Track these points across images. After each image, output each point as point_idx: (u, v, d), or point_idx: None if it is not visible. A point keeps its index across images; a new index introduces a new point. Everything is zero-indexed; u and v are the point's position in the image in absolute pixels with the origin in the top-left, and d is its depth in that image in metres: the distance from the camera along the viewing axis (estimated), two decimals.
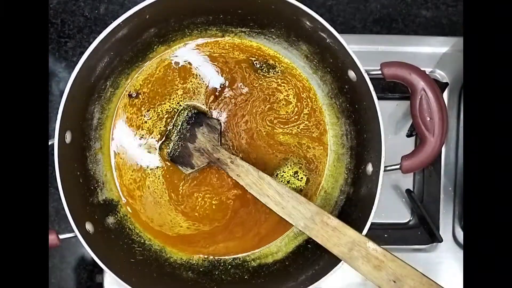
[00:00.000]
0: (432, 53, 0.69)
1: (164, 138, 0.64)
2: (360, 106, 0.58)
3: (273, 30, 0.62)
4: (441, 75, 0.69)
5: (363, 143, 0.60)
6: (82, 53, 0.54)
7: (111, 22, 0.54)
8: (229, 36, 0.64)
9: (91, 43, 0.54)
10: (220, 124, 0.64)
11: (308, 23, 0.55)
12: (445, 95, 0.68)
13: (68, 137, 0.55)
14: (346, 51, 0.54)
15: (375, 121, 0.54)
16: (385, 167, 0.55)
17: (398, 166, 0.57)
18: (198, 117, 0.63)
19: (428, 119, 0.55)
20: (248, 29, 0.63)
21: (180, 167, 0.63)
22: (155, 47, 0.63)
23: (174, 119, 0.63)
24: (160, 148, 0.64)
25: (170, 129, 0.63)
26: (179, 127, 0.63)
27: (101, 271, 0.66)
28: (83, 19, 0.74)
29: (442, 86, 0.66)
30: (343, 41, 0.54)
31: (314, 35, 0.57)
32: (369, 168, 0.58)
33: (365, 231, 0.55)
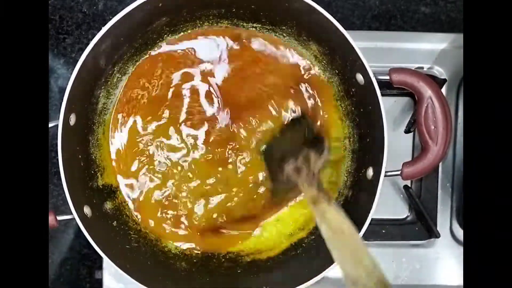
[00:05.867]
0: (431, 50, 0.69)
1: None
2: (366, 110, 0.58)
3: (284, 28, 0.62)
4: (439, 71, 0.69)
5: (365, 147, 0.60)
6: (81, 49, 0.53)
7: (110, 18, 0.53)
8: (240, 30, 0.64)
9: (90, 39, 0.53)
10: (328, 150, 0.59)
11: (320, 23, 0.55)
12: (443, 91, 0.67)
13: (72, 120, 0.55)
14: (356, 54, 0.54)
15: (379, 126, 0.55)
16: (385, 172, 0.55)
17: (398, 172, 0.57)
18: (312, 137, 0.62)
19: (433, 127, 0.55)
20: (260, 25, 0.63)
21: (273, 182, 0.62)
22: (165, 36, 0.63)
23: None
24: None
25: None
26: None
27: (100, 267, 0.66)
28: (81, 15, 0.73)
29: (440, 82, 0.66)
30: (354, 44, 0.54)
31: (325, 35, 0.57)
32: (370, 172, 0.58)
33: (360, 234, 0.55)
